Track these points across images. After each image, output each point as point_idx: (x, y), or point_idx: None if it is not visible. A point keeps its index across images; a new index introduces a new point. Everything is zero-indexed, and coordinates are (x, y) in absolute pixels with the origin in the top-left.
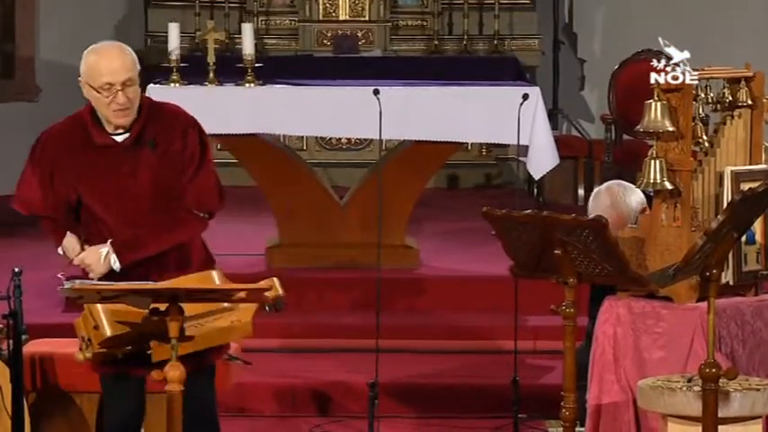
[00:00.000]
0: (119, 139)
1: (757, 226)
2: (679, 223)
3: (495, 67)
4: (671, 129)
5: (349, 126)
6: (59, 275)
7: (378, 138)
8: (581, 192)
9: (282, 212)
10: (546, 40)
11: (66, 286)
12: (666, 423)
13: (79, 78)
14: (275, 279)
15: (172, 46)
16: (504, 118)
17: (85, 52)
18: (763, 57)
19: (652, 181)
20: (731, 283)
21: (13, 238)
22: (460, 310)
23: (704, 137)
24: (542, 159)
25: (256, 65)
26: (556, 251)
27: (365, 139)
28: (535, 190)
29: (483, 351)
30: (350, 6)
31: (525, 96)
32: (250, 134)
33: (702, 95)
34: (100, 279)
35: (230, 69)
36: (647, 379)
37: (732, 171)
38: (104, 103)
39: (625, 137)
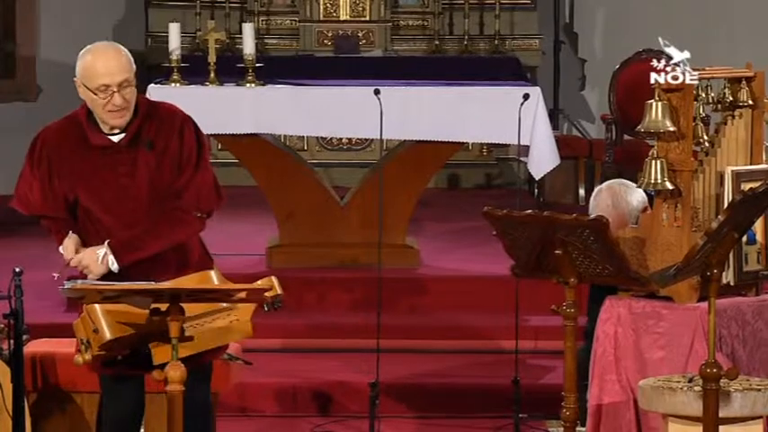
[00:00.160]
0: (115, 139)
1: (758, 226)
2: (680, 223)
3: (496, 67)
4: (672, 129)
5: (350, 126)
6: (54, 276)
7: (378, 138)
8: (582, 192)
9: (283, 212)
10: (546, 39)
11: (67, 286)
12: (667, 423)
13: (75, 79)
14: (274, 278)
15: (172, 46)
16: (504, 118)
17: (81, 53)
18: (764, 57)
19: (653, 181)
20: (732, 283)
21: (13, 238)
22: (461, 309)
23: (705, 137)
24: (543, 159)
25: (257, 65)
26: (556, 251)
27: (366, 139)
28: (536, 190)
29: (484, 351)
30: (350, 6)
31: (526, 96)
32: (251, 134)
33: (703, 95)
34: (99, 280)
35: (231, 69)
36: (647, 379)
37: (733, 171)
38: (100, 104)
39: (626, 137)
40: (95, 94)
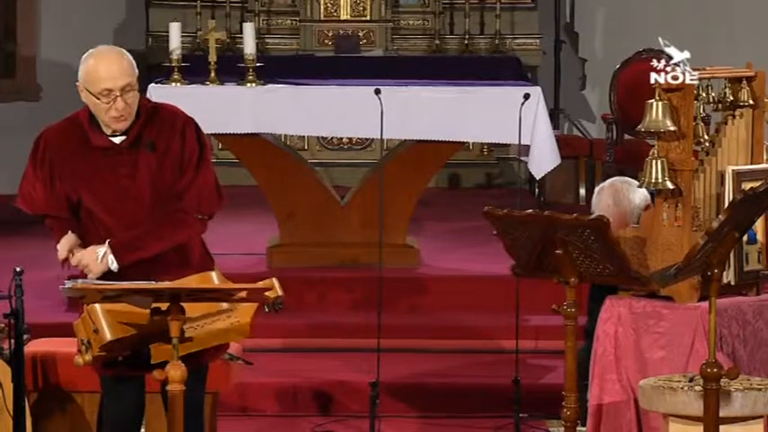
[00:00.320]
0: (116, 140)
1: (758, 225)
2: (680, 223)
3: (497, 67)
4: (672, 128)
5: (350, 126)
6: (65, 281)
7: (379, 137)
8: (582, 191)
9: (283, 212)
10: (547, 39)
11: (67, 286)
12: (668, 423)
13: (77, 83)
14: (275, 279)
15: (173, 45)
16: (505, 117)
17: (83, 57)
18: (764, 57)
19: (653, 180)
20: (732, 282)
21: (14, 238)
22: (462, 309)
23: (705, 136)
24: (543, 159)
25: (257, 64)
26: (557, 251)
27: (366, 139)
28: (536, 189)
29: (484, 351)
30: (351, 6)
31: (526, 96)
32: (251, 134)
33: (704, 95)
34: (98, 279)
35: (231, 69)
36: (648, 378)
37: (733, 171)
38: (103, 108)
39: (626, 136)
40: (98, 99)
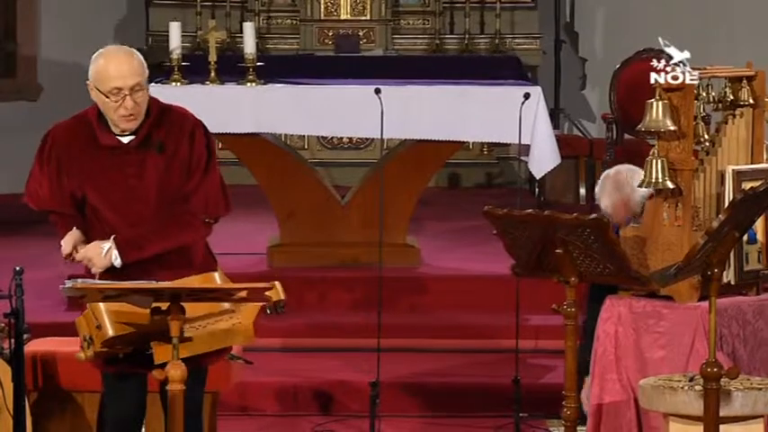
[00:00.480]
0: (124, 140)
1: (758, 225)
2: (680, 222)
3: (497, 67)
4: (672, 128)
5: (350, 125)
6: (65, 280)
7: (379, 137)
8: (582, 191)
9: (284, 212)
10: (547, 39)
11: (67, 285)
12: (668, 422)
13: (87, 82)
14: (277, 283)
15: (173, 45)
16: (505, 117)
17: (94, 56)
18: (764, 56)
19: (653, 180)
20: (732, 282)
21: (14, 237)
22: (462, 309)
23: (706, 136)
24: (543, 158)
25: (258, 64)
26: (557, 250)
27: (366, 139)
28: (536, 189)
29: (484, 350)
30: (351, 5)
31: (526, 95)
32: (251, 133)
33: (704, 94)
34: (101, 276)
35: (231, 68)
36: (648, 378)
37: (734, 170)
38: (112, 107)
39: (626, 136)
40: (107, 97)
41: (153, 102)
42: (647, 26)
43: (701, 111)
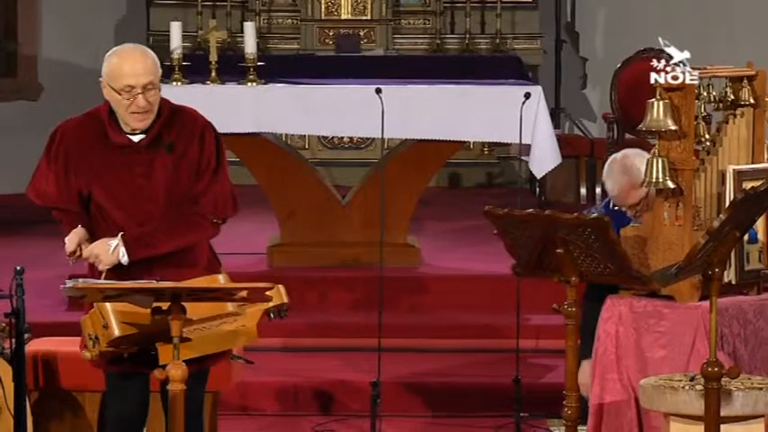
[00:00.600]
0: (135, 139)
1: (759, 225)
2: (681, 222)
3: (497, 66)
4: (673, 127)
5: (351, 125)
6: (66, 280)
7: (380, 136)
8: (583, 191)
9: (284, 211)
10: (548, 38)
11: (68, 285)
12: (669, 422)
13: (100, 79)
14: (281, 286)
15: (174, 45)
16: (506, 117)
17: (108, 54)
18: (764, 56)
19: (654, 180)
20: (733, 281)
21: (15, 237)
22: (462, 308)
23: (706, 136)
24: (544, 158)
25: (258, 64)
26: (558, 250)
27: (367, 138)
28: (537, 189)
29: (485, 350)
30: (352, 5)
31: (527, 95)
32: (252, 133)
33: (705, 94)
34: (106, 274)
35: (232, 68)
36: (649, 378)
37: (734, 170)
38: (124, 105)
39: (627, 136)
40: (119, 95)
41: (164, 102)
42: (647, 26)
43: (702, 110)
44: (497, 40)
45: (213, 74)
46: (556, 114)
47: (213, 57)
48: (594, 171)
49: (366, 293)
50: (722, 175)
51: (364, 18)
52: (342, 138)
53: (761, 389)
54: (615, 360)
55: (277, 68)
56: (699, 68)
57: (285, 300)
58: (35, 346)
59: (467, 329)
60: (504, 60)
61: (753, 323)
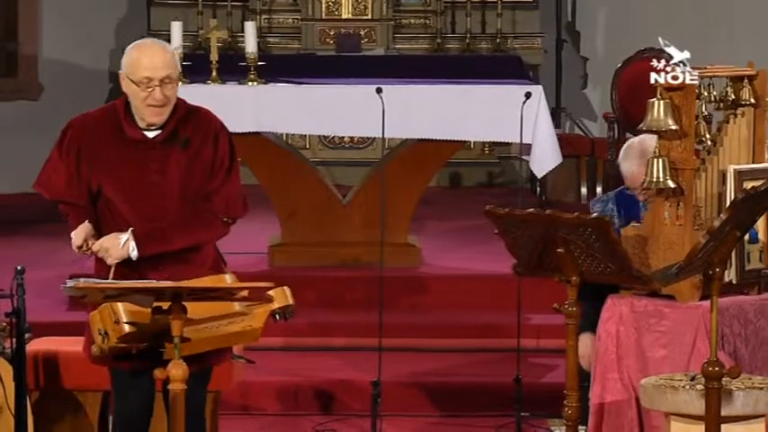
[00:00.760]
0: (150, 135)
1: (760, 224)
2: (682, 222)
3: (498, 66)
4: (674, 127)
5: (352, 124)
6: (66, 280)
7: (380, 136)
8: (584, 190)
9: (285, 211)
10: (549, 38)
11: (68, 284)
12: (669, 422)
13: (119, 72)
14: (286, 288)
15: (174, 44)
16: (506, 116)
17: (128, 48)
18: (764, 56)
19: (655, 179)
20: (734, 281)
21: (15, 237)
22: (463, 308)
23: (707, 135)
24: (545, 158)
25: (259, 63)
26: (558, 249)
27: (368, 138)
28: (538, 188)
29: (486, 349)
30: (352, 5)
31: (528, 95)
32: (253, 133)
33: (705, 94)
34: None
35: (233, 68)
36: (649, 377)
37: (735, 169)
38: (141, 97)
39: (628, 135)
40: (137, 86)
41: (180, 101)
42: (648, 25)
43: (703, 110)
44: (498, 40)
45: (214, 73)
46: (556, 114)
47: (214, 56)
48: (595, 171)
49: (367, 293)
50: (723, 175)
51: (365, 18)
52: (342, 137)
53: (761, 389)
54: (616, 360)
55: (278, 68)
56: (699, 68)
57: (291, 301)
58: (36, 345)
59: (467, 329)
60: (505, 60)
61: (753, 323)
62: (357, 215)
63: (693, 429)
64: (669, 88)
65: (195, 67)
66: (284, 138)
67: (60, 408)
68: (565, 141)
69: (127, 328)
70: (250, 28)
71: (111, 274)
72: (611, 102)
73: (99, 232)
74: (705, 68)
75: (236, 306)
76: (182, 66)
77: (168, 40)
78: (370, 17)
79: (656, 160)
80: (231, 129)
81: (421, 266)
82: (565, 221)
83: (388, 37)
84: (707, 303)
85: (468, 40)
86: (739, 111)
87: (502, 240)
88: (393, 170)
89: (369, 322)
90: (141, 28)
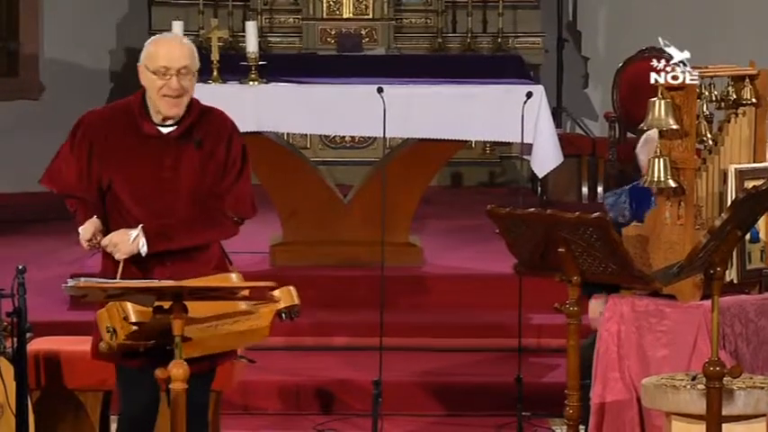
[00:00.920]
0: (165, 130)
1: (761, 224)
2: (683, 221)
3: (499, 66)
4: (675, 127)
5: (353, 124)
6: (67, 279)
7: (381, 136)
8: (585, 190)
9: (286, 210)
10: (550, 38)
11: (69, 284)
12: (670, 421)
13: (138, 64)
14: (292, 288)
15: None
16: (507, 116)
17: (147, 41)
18: (764, 56)
19: (656, 179)
20: (735, 281)
21: (16, 236)
22: (464, 307)
23: (708, 135)
24: (546, 157)
25: (260, 63)
26: (559, 249)
27: (369, 138)
28: (539, 188)
29: (487, 349)
30: (353, 4)
31: (529, 94)
32: (254, 132)
33: (706, 93)
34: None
35: (234, 67)
36: (650, 377)
37: (736, 169)
38: (158, 86)
39: (629, 135)
40: (154, 75)
41: (195, 101)
42: (649, 25)
43: (704, 109)
44: (499, 40)
45: (215, 73)
46: (557, 113)
47: (215, 56)
48: (596, 170)
49: (368, 292)
50: (724, 175)
51: (366, 17)
52: (343, 137)
53: (762, 388)
54: (617, 359)
55: (279, 68)
56: (699, 68)
57: (296, 301)
58: (37, 345)
59: (468, 328)
60: (506, 59)
61: (754, 322)
62: (358, 215)
63: (694, 429)
64: (670, 88)
65: None
66: (285, 137)
67: (61, 407)
68: (566, 141)
69: (135, 323)
70: (251, 27)
71: (120, 269)
72: (612, 101)
73: (106, 228)
74: (706, 68)
75: (242, 305)
76: None
77: None
78: (371, 17)
79: (657, 160)
80: None
81: (422, 266)
82: (566, 221)
83: (388, 36)
84: (708, 303)
85: (469, 40)
86: (740, 110)
87: (503, 240)
88: (394, 170)
89: (370, 322)
90: (142, 28)
